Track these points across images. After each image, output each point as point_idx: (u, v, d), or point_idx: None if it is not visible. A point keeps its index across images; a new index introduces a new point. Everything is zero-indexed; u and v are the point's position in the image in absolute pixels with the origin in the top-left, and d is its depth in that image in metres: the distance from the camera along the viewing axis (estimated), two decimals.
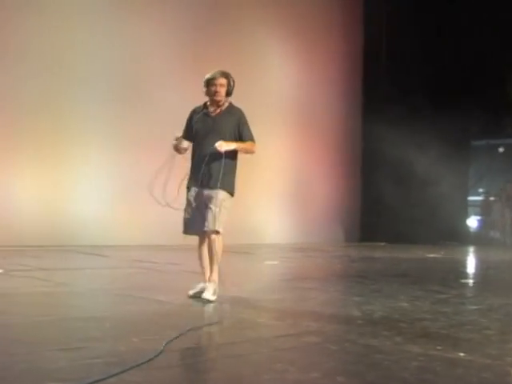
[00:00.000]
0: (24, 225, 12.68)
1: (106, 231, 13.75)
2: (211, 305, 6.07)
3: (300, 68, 18.25)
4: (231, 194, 6.42)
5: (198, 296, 6.25)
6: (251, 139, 6.46)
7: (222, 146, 6.19)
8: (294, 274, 10.25)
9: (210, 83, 6.37)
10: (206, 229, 6.25)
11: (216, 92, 6.36)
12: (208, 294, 6.17)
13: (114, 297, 6.76)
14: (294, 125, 18.14)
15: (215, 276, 6.33)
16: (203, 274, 6.46)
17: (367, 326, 5.21)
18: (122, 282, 8.04)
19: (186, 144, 6.49)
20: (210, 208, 6.23)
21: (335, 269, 11.40)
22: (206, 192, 6.31)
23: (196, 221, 6.35)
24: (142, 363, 3.67)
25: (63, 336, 4.58)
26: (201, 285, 6.38)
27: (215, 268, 6.33)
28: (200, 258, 6.51)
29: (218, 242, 6.29)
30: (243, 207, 15.95)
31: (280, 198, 17.86)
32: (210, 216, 6.23)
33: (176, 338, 4.38)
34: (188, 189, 6.48)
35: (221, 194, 6.30)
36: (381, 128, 17.07)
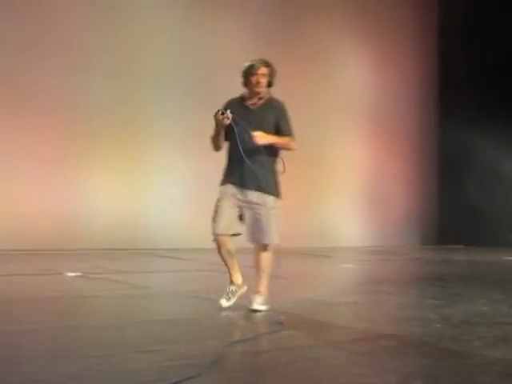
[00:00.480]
0: (102, 228, 12.87)
1: (183, 234, 13.82)
2: (287, 309, 6.03)
3: (374, 69, 18.08)
4: (279, 197, 5.89)
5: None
6: (290, 134, 5.87)
7: (262, 137, 5.66)
8: (370, 277, 10.15)
9: (249, 73, 5.83)
10: (263, 242, 5.81)
11: (258, 82, 5.80)
12: (257, 305, 5.74)
13: (190, 299, 6.82)
14: (367, 126, 17.97)
15: (264, 288, 5.85)
16: (232, 275, 6.11)
17: (446, 329, 5.13)
18: (199, 285, 8.10)
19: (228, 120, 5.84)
20: (262, 219, 5.75)
21: (412, 272, 11.25)
22: (251, 195, 5.80)
23: (228, 221, 5.89)
24: (218, 366, 3.69)
25: (141, 338, 4.65)
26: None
27: (266, 279, 5.89)
28: (224, 258, 6.25)
29: (271, 252, 5.89)
30: (318, 209, 15.97)
31: (354, 200, 17.72)
32: (264, 229, 5.75)
33: (250, 340, 4.38)
34: (223, 184, 5.97)
35: (270, 201, 5.78)
36: (459, 129, 16.78)
